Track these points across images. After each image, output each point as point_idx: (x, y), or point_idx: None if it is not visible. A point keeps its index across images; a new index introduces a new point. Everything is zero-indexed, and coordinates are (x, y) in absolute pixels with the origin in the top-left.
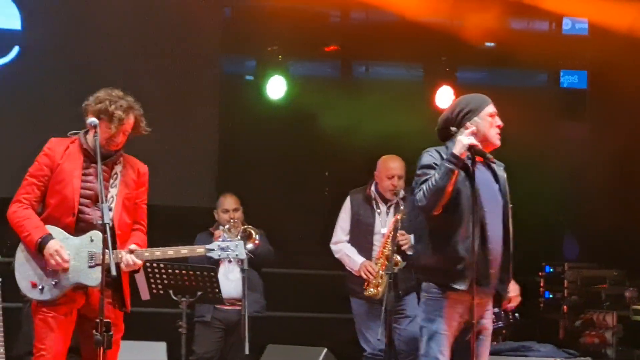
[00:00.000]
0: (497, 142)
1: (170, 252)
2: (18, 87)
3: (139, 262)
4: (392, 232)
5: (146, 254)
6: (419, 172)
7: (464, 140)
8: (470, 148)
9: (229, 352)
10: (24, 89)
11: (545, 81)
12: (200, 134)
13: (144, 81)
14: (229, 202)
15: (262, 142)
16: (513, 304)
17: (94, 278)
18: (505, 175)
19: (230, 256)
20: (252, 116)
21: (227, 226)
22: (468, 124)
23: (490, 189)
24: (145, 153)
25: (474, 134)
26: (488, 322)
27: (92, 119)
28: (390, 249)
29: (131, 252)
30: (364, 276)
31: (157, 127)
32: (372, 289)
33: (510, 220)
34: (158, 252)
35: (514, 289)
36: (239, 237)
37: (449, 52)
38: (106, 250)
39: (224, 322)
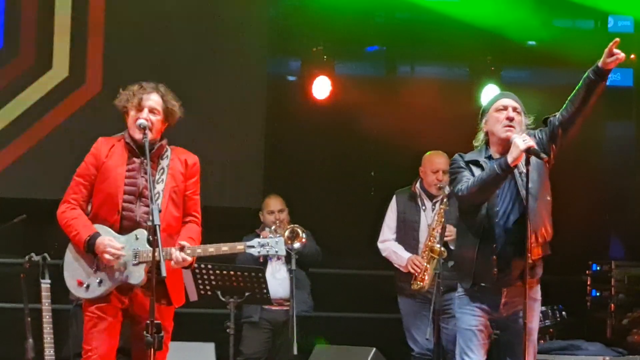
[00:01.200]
0: (503, 134)
1: (211, 249)
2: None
3: (189, 258)
4: (437, 225)
5: (188, 251)
6: (452, 178)
7: (520, 145)
8: (528, 150)
9: (277, 353)
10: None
11: None
12: (247, 135)
13: (191, 82)
14: (274, 203)
15: (307, 142)
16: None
17: (137, 276)
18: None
19: (270, 252)
20: (298, 116)
21: (273, 227)
22: (482, 125)
23: (511, 187)
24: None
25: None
26: (529, 321)
27: (140, 121)
28: (434, 240)
29: (181, 248)
30: (412, 270)
31: (203, 128)
32: (418, 282)
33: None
34: (199, 250)
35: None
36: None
37: (494, 51)
38: (152, 250)
39: (271, 322)
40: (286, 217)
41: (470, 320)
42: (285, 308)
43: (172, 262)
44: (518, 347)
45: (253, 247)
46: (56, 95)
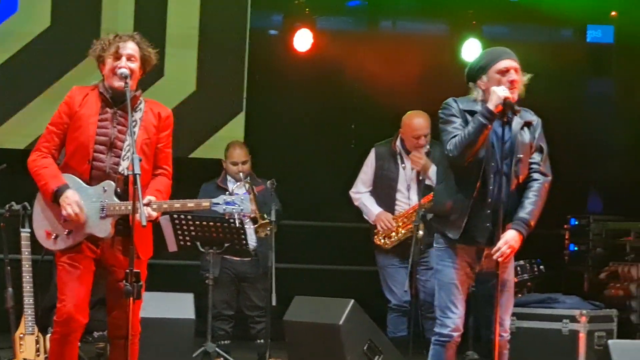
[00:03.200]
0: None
1: (177, 205)
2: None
3: (154, 214)
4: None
5: (154, 206)
6: (441, 125)
7: (499, 92)
8: (504, 101)
9: (244, 302)
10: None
11: (571, 36)
12: (228, 88)
13: (171, 34)
14: (238, 154)
15: (289, 95)
16: (497, 254)
17: (103, 230)
18: (518, 128)
19: (235, 211)
20: (279, 69)
21: (236, 184)
22: (479, 81)
23: (506, 143)
24: (173, 108)
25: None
26: (506, 274)
27: (122, 70)
28: (417, 216)
29: (147, 203)
30: (379, 227)
31: (184, 81)
32: (382, 239)
33: (514, 172)
34: (165, 205)
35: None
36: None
37: (475, 6)
38: (119, 204)
39: (233, 271)
40: (248, 169)
41: (452, 274)
42: (246, 259)
43: (137, 216)
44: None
45: (218, 204)
46: None
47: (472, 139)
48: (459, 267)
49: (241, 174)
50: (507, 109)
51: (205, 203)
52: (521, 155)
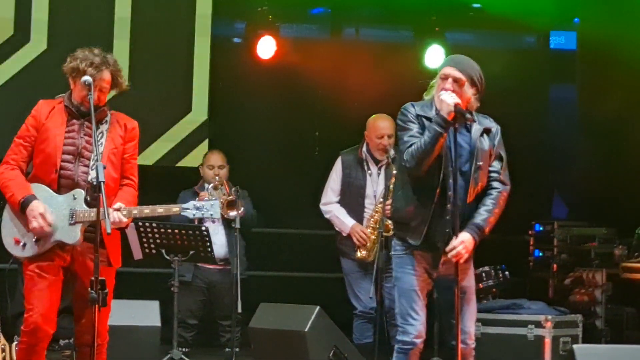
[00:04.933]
0: (438, 105)
1: (147, 210)
2: None
3: (125, 219)
4: (389, 197)
5: (124, 212)
6: (399, 133)
7: (448, 100)
8: (455, 107)
9: (215, 311)
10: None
11: (534, 43)
12: (192, 94)
13: (136, 44)
14: (214, 158)
15: (252, 102)
16: (452, 252)
17: (72, 236)
18: (478, 135)
19: (205, 216)
20: (243, 77)
21: (211, 185)
22: (432, 83)
23: (466, 150)
24: (137, 114)
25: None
26: (465, 279)
27: (86, 77)
28: (380, 215)
29: (117, 209)
30: (356, 241)
31: (149, 89)
32: (363, 252)
33: (473, 180)
34: (135, 211)
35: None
36: (222, 197)
37: (438, 12)
38: (88, 210)
39: (204, 281)
40: (225, 174)
41: (412, 281)
42: (219, 267)
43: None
44: (462, 306)
45: (188, 209)
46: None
47: (428, 148)
48: (418, 274)
49: (217, 177)
50: (459, 115)
51: (175, 208)
52: (481, 163)
